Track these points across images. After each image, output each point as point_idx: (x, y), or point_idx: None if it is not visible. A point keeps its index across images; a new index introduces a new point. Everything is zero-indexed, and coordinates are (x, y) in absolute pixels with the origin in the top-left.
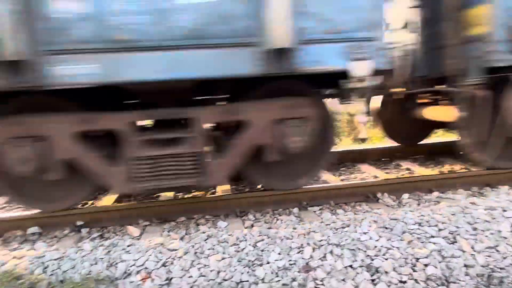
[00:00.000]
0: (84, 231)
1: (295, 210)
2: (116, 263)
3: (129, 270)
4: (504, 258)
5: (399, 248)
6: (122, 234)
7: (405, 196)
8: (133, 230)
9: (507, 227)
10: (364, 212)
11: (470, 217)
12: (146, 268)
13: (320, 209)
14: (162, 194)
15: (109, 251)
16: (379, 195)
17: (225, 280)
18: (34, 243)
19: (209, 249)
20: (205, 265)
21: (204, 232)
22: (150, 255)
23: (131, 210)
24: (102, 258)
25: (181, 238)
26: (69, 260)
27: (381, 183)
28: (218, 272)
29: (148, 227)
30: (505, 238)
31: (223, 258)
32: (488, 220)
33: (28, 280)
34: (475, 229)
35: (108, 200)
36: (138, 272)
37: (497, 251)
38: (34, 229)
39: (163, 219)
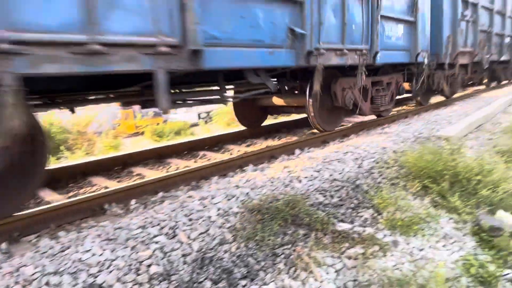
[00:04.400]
0: None
1: (3, 245)
2: None
3: None
4: (214, 239)
5: (124, 257)
6: None
7: (133, 202)
8: None
9: (215, 212)
10: (89, 228)
11: (187, 210)
12: None
13: (37, 237)
14: None
15: None
16: (106, 206)
17: None
18: None
19: None
20: None
21: None
22: None
23: None
24: None
25: None
26: None
27: (108, 193)
28: None
29: None
30: (214, 221)
31: None
32: (201, 209)
33: None
34: (190, 219)
35: None
36: None
37: (208, 234)
38: None
39: None
